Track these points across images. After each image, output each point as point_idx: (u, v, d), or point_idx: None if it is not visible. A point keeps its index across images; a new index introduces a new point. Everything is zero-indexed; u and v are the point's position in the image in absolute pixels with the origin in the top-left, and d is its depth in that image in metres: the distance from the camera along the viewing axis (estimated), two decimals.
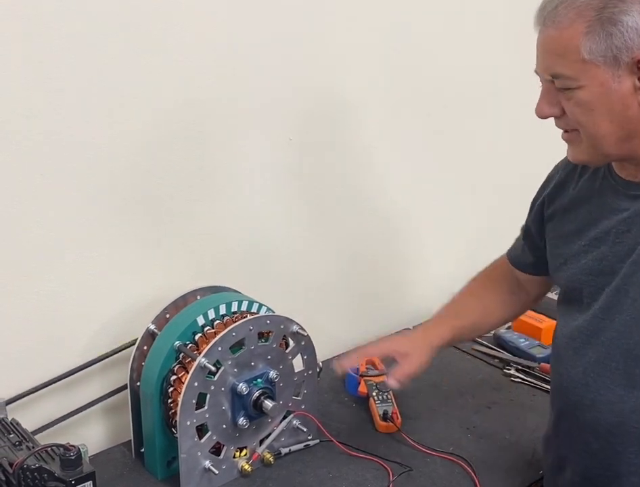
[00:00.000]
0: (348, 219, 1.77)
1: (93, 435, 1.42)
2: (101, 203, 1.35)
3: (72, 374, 1.36)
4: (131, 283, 1.43)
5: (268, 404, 1.30)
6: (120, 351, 1.39)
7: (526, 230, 1.34)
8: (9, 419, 1.25)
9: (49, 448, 1.16)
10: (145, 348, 1.35)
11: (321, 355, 1.67)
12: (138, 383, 1.34)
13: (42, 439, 1.31)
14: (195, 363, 1.24)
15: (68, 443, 1.16)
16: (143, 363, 1.33)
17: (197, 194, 1.48)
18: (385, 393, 1.54)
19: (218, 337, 1.26)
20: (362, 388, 1.56)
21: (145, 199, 1.41)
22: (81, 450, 1.18)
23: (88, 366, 1.37)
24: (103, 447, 1.42)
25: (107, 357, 1.39)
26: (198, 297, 1.39)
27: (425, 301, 1.73)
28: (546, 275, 1.29)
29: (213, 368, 1.23)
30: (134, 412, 1.36)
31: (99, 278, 1.38)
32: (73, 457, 1.14)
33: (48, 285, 1.32)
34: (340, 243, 1.76)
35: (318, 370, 1.63)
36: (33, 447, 1.17)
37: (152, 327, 1.35)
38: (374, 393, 1.53)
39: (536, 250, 1.31)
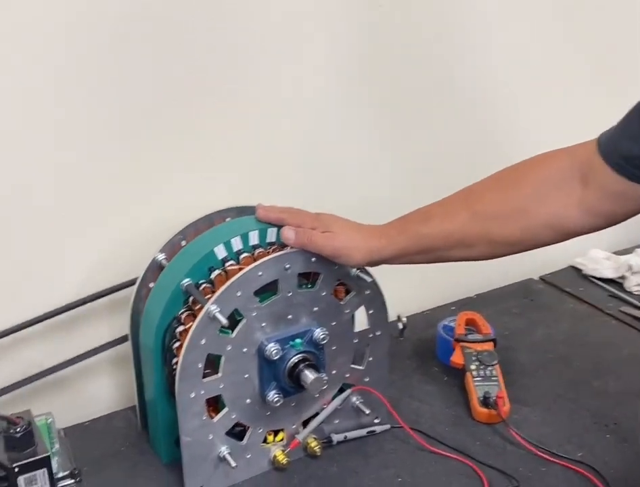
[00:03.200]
0: (436, 132, 1.31)
1: (92, 394, 1.10)
2: (100, 94, 0.99)
3: (64, 311, 1.02)
4: (145, 200, 1.06)
5: (309, 375, 0.90)
6: (121, 288, 1.04)
7: None
8: None
9: None
10: (152, 285, 0.98)
11: (406, 308, 1.27)
12: None
13: (23, 398, 0.99)
14: (202, 312, 0.86)
15: (17, 414, 0.84)
16: None
17: (234, 86, 1.09)
18: (490, 368, 1.11)
19: (236, 276, 0.88)
20: (457, 357, 1.13)
21: (160, 91, 1.03)
22: (35, 423, 0.84)
23: (84, 303, 1.03)
24: (106, 410, 1.09)
25: (105, 295, 1.04)
26: (228, 220, 1.01)
27: None
28: None
29: (224, 321, 0.85)
30: (138, 371, 1.01)
31: (101, 191, 1.03)
32: (18, 435, 0.81)
33: (35, 200, 0.99)
34: (420, 162, 1.31)
35: (401, 327, 1.23)
36: None
37: (161, 256, 0.98)
38: (472, 367, 1.11)
39: None
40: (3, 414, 0.83)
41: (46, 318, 1.01)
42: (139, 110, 1.02)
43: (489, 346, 1.14)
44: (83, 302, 1.03)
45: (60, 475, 0.91)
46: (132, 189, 1.05)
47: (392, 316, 1.25)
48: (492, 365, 1.11)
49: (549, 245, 0.92)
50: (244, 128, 1.11)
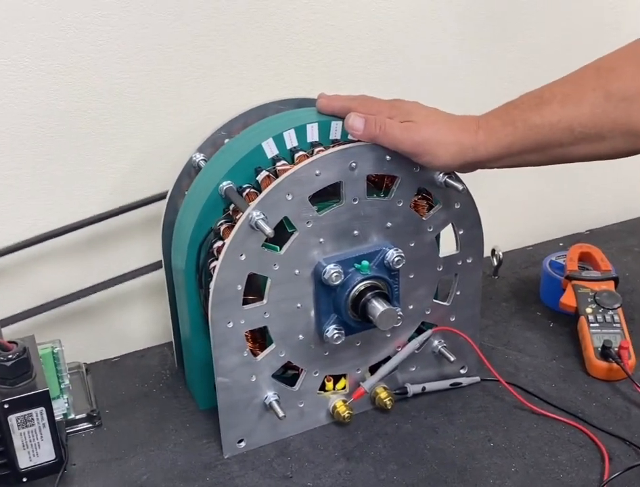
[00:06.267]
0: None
1: (123, 327, 0.93)
2: None
3: (89, 224, 0.85)
4: (183, 96, 0.88)
5: (378, 307, 0.71)
6: (154, 201, 0.86)
7: None
8: None
9: None
10: (187, 193, 0.80)
11: (503, 243, 1.05)
12: None
13: (42, 329, 0.84)
14: (242, 219, 0.67)
15: (15, 339, 0.68)
16: None
17: None
18: (611, 312, 0.88)
19: (286, 174, 0.68)
20: (569, 299, 0.91)
21: None
22: (36, 352, 0.68)
23: (112, 216, 0.86)
24: (139, 346, 0.93)
25: (136, 207, 0.86)
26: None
27: None
28: None
29: (268, 230, 0.66)
30: (173, 299, 0.84)
31: (128, 89, 0.85)
32: (8, 364, 0.65)
33: (60, 103, 0.82)
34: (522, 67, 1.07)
35: (496, 263, 1.02)
36: None
37: (199, 157, 0.80)
38: (588, 310, 0.88)
39: None
40: None
41: (70, 230, 0.85)
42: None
43: (609, 286, 0.91)
44: (110, 215, 0.86)
45: (73, 416, 0.76)
46: (168, 82, 0.86)
47: (485, 251, 1.05)
48: (614, 309, 0.88)
49: None
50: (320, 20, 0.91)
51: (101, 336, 0.91)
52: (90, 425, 0.78)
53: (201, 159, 0.79)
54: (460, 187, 0.73)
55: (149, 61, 0.84)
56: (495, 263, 1.03)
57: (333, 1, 0.91)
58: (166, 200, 0.81)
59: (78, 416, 0.77)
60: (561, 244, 1.12)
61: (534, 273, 1.03)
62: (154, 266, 0.88)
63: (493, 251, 1.03)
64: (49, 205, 0.85)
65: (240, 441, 0.75)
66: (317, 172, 0.68)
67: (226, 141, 0.80)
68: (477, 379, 0.84)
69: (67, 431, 0.76)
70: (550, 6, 1.05)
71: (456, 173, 0.73)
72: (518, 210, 1.14)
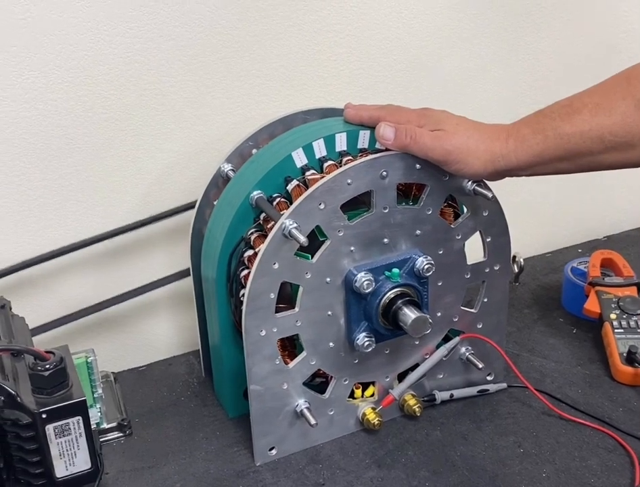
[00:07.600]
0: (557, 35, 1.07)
1: (150, 336, 0.94)
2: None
3: (117, 234, 0.86)
4: (208, 107, 0.88)
5: (409, 314, 0.71)
6: (182, 211, 0.87)
7: None
8: None
9: (13, 352, 0.68)
10: (217, 202, 0.81)
11: (523, 248, 1.05)
12: None
13: (71, 339, 0.84)
14: (275, 228, 0.68)
15: (50, 349, 0.68)
16: None
17: None
18: (635, 318, 0.88)
19: (318, 184, 0.69)
20: (593, 305, 0.91)
21: None
22: (72, 361, 0.69)
23: (141, 226, 0.87)
24: (165, 354, 0.93)
25: (165, 217, 0.87)
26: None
27: None
28: None
29: (302, 239, 0.67)
30: (201, 308, 0.85)
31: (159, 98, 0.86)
32: (46, 374, 0.65)
33: (91, 113, 0.82)
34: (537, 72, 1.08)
35: (517, 270, 1.02)
36: None
37: (227, 167, 0.81)
38: (612, 316, 0.89)
39: None
40: (29, 347, 0.67)
41: (97, 241, 0.85)
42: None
43: (632, 291, 0.92)
44: (138, 225, 0.86)
45: (105, 426, 0.77)
46: (194, 94, 0.87)
47: None
48: (638, 314, 0.88)
49: None
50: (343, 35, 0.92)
51: (128, 345, 0.92)
52: (121, 434, 0.78)
53: (230, 170, 0.80)
54: (489, 194, 0.73)
55: (176, 72, 0.85)
56: (516, 270, 1.04)
57: (354, 13, 0.92)
58: (195, 209, 0.81)
59: (109, 426, 0.78)
60: (579, 251, 1.12)
61: (555, 279, 1.04)
62: (180, 275, 0.89)
63: (514, 258, 1.04)
64: (78, 216, 0.86)
65: (271, 448, 0.76)
66: (349, 181, 0.69)
67: (254, 151, 0.81)
68: (504, 385, 0.84)
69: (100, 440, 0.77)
70: (564, 15, 1.06)
71: (485, 181, 0.74)
72: (536, 217, 1.15)
